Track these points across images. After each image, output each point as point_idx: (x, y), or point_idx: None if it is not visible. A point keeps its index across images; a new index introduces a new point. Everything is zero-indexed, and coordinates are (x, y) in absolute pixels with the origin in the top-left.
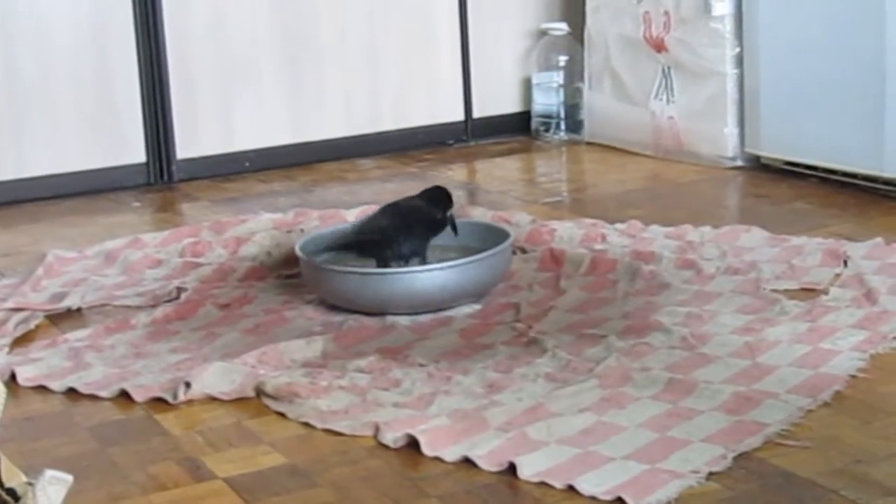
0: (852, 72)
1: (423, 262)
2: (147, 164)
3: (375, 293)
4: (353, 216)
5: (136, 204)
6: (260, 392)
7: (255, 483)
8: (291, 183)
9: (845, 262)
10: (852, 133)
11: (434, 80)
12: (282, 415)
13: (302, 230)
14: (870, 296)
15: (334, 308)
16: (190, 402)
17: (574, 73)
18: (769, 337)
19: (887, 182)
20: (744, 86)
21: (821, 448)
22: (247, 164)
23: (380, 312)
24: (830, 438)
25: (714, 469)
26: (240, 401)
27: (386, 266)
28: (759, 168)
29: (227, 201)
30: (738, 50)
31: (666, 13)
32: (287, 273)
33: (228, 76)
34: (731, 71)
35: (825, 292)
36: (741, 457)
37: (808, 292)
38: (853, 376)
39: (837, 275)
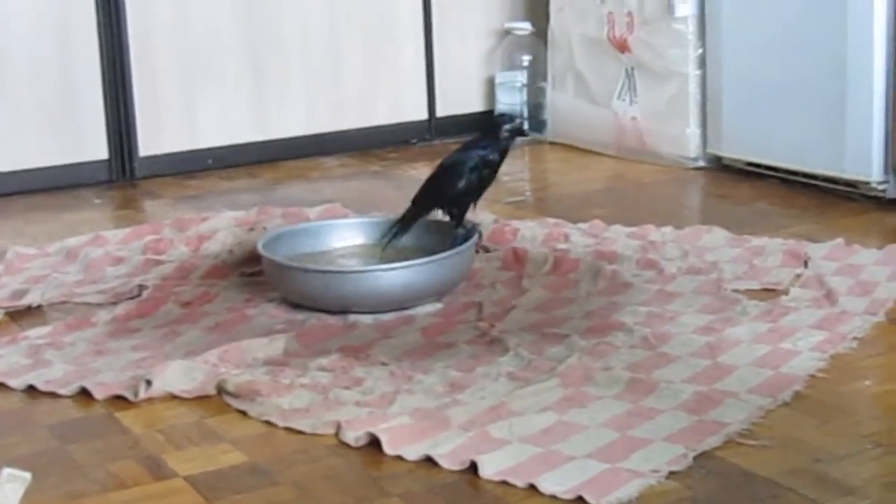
0: (813, 73)
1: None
2: (109, 160)
3: (338, 292)
4: (315, 214)
5: (98, 201)
6: (221, 390)
7: (215, 481)
8: (254, 181)
9: (806, 263)
10: (813, 134)
11: (397, 79)
12: (243, 413)
13: (264, 228)
14: (830, 296)
15: (297, 306)
16: (150, 400)
17: (537, 72)
18: (730, 337)
19: (848, 183)
20: (706, 87)
21: (780, 447)
22: (209, 161)
23: (342, 311)
24: (790, 438)
25: (674, 468)
26: (201, 399)
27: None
28: (721, 168)
29: (190, 199)
30: (700, 51)
31: (629, 14)
32: (249, 271)
33: (191, 73)
34: (693, 72)
35: (786, 293)
36: (701, 456)
37: (769, 293)
38: (813, 376)
39: (798, 275)
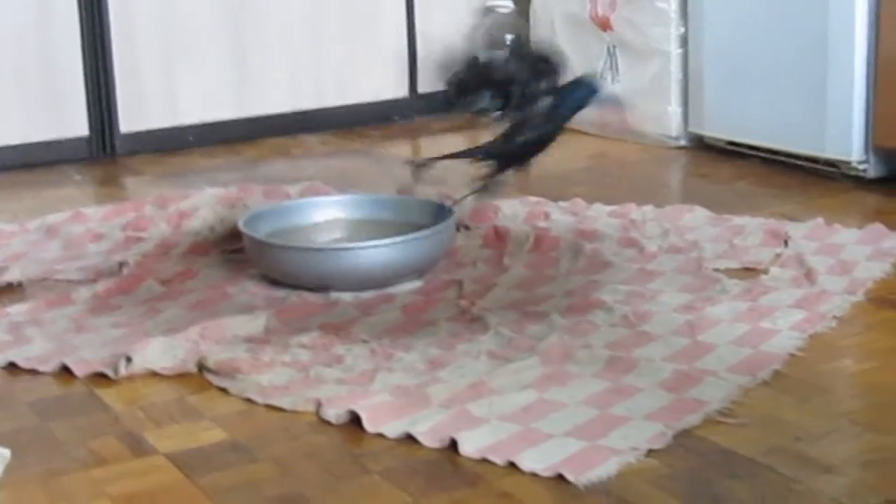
0: (795, 53)
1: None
2: (90, 137)
3: (318, 269)
4: (296, 191)
5: (78, 178)
6: (202, 367)
7: (196, 458)
8: (235, 158)
9: (786, 242)
10: (795, 114)
11: (379, 57)
12: (223, 390)
13: (246, 205)
14: (809, 276)
15: (277, 284)
16: (131, 377)
17: None
18: (710, 315)
19: (828, 163)
20: (688, 65)
21: (759, 426)
22: (191, 138)
23: (323, 288)
24: (769, 416)
25: (654, 446)
26: (181, 376)
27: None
28: (702, 147)
29: (171, 176)
30: (682, 30)
31: None
32: (230, 248)
33: (173, 50)
34: (675, 50)
35: (766, 272)
36: (681, 434)
37: (749, 272)
38: (792, 355)
39: (778, 255)
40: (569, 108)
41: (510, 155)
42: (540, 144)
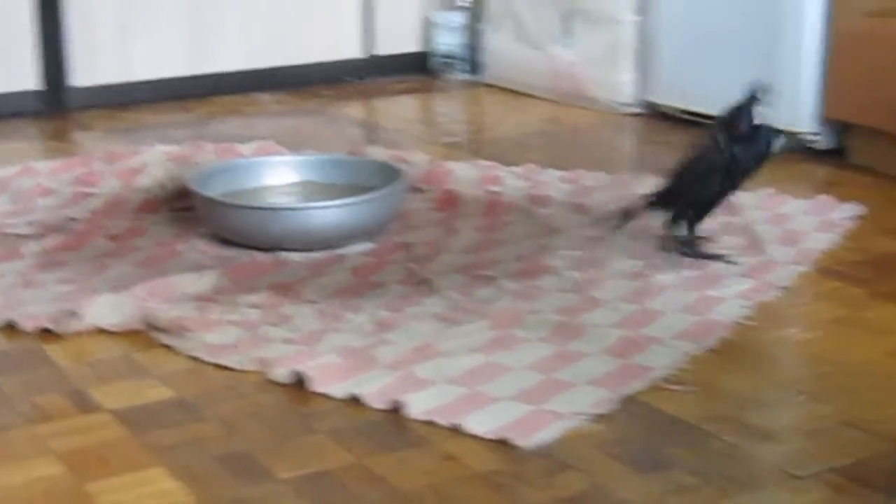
0: (749, 24)
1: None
2: (41, 91)
3: (269, 229)
4: (248, 150)
5: (29, 131)
6: (149, 325)
7: (141, 416)
8: (187, 115)
9: (735, 212)
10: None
11: (335, 17)
12: (171, 348)
13: (197, 163)
14: (758, 245)
15: (227, 243)
16: (78, 333)
17: (476, 14)
18: (658, 283)
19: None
20: (643, 34)
21: (704, 393)
22: (143, 94)
23: (273, 248)
24: (714, 384)
25: (599, 411)
26: (129, 333)
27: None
28: (656, 115)
29: (122, 132)
30: None
31: None
32: (181, 206)
33: (126, 4)
34: (630, 18)
35: (715, 240)
36: (626, 400)
37: (699, 239)
38: (738, 323)
39: (727, 223)
40: (754, 161)
41: (697, 203)
42: (722, 195)
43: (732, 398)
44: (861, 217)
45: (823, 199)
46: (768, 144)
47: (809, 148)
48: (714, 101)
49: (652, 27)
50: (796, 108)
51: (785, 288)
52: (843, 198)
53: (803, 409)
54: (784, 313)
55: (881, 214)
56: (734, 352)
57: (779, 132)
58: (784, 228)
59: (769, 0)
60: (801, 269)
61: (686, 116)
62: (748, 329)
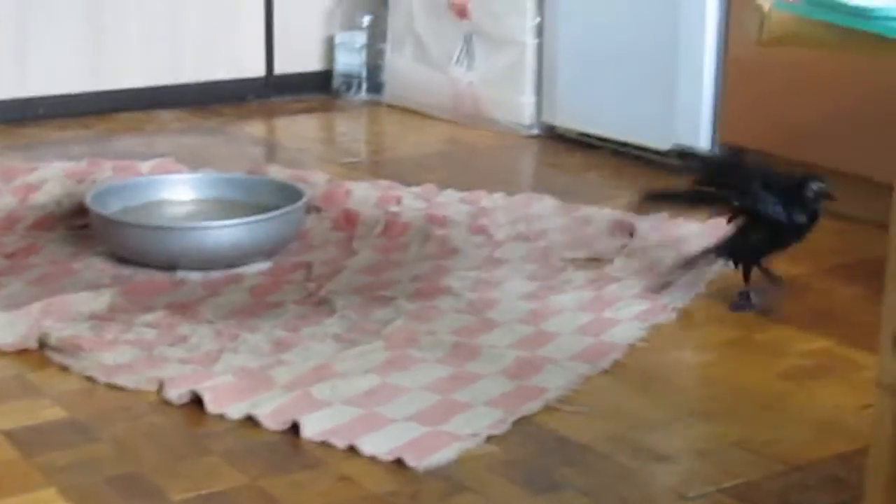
0: (647, 49)
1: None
2: None
3: (166, 248)
4: (147, 168)
5: None
6: (43, 344)
7: (34, 436)
8: (87, 132)
9: (632, 234)
10: (645, 108)
11: (236, 35)
12: (65, 368)
13: (94, 180)
14: (653, 267)
15: (124, 261)
16: None
17: (377, 34)
18: (554, 304)
19: (677, 156)
20: (543, 56)
21: (598, 414)
22: (40, 110)
23: (171, 267)
24: (608, 405)
25: (493, 432)
26: (22, 352)
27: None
28: (555, 137)
29: (20, 148)
30: (538, 20)
31: None
32: (77, 224)
33: (24, 18)
34: (531, 40)
35: (611, 262)
36: (520, 421)
37: (595, 262)
38: (632, 345)
39: (623, 246)
40: (805, 218)
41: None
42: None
43: (626, 419)
44: None
45: (717, 222)
46: (816, 200)
47: None
48: (611, 123)
49: (551, 50)
50: (693, 132)
51: (679, 310)
52: None
53: (695, 430)
54: (678, 335)
55: None
56: (628, 373)
57: (825, 187)
58: (678, 251)
59: (667, 25)
60: (696, 291)
61: (583, 138)
62: (643, 351)
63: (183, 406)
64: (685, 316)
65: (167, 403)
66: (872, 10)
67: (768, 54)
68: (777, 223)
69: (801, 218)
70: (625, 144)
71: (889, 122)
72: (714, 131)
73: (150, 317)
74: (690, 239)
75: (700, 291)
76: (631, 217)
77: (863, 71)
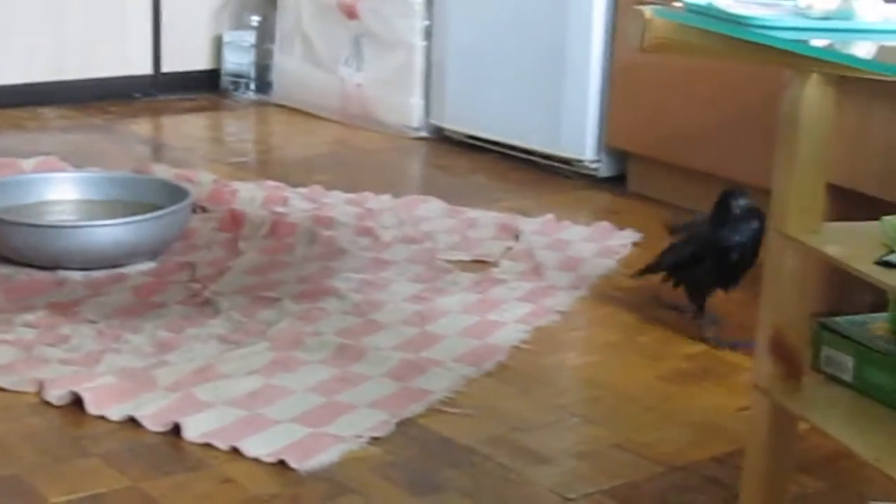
0: (535, 55)
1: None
2: None
3: (48, 247)
4: (30, 166)
5: None
6: None
7: None
8: None
9: (517, 237)
10: (532, 112)
11: (122, 32)
12: None
13: None
14: (538, 270)
15: (5, 260)
16: None
17: (266, 33)
18: (439, 306)
19: (563, 160)
20: (431, 58)
21: (481, 416)
22: None
23: (52, 266)
24: (490, 407)
25: (377, 434)
26: None
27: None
28: (442, 140)
29: None
30: (427, 22)
31: None
32: None
33: None
34: (419, 43)
35: (496, 265)
36: (404, 422)
37: (480, 264)
38: (516, 347)
39: (509, 248)
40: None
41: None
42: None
43: (508, 421)
44: (638, 244)
45: (602, 225)
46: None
47: (591, 175)
48: (498, 127)
49: (439, 52)
50: (579, 137)
51: (563, 313)
52: (622, 224)
53: (577, 432)
54: (561, 338)
55: (657, 241)
56: (511, 375)
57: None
58: (564, 254)
59: (554, 32)
60: (579, 293)
61: (471, 141)
62: (525, 353)
63: (63, 407)
64: (568, 318)
65: (47, 404)
66: (750, 18)
67: (654, 62)
68: (717, 251)
69: (734, 237)
70: (512, 148)
71: (770, 129)
72: (600, 136)
73: (30, 317)
74: (575, 242)
75: (583, 294)
76: (516, 220)
77: (745, 78)
